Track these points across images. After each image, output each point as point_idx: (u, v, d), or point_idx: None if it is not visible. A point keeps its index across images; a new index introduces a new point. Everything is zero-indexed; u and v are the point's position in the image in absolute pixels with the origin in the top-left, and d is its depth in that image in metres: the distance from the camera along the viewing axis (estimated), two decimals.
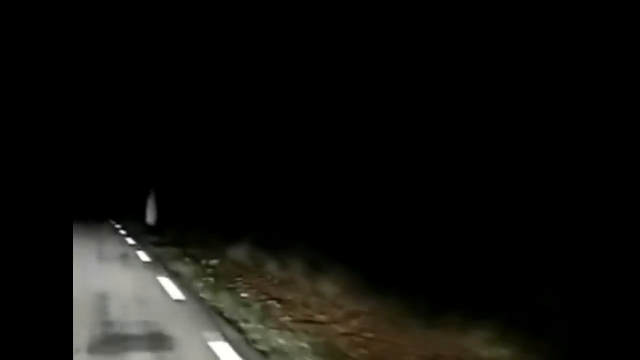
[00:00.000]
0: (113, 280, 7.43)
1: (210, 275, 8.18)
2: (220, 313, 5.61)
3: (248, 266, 8.73)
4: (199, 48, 14.70)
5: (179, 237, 15.20)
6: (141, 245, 13.16)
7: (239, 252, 9.84)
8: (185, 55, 15.77)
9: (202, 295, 6.64)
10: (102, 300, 5.96)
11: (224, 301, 6.25)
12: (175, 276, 8.02)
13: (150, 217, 22.64)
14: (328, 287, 6.12)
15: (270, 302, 6.16)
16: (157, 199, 22.89)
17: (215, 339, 4.49)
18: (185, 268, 9.03)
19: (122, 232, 17.96)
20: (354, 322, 4.95)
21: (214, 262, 9.85)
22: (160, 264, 9.62)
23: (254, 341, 4.51)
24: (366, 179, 8.05)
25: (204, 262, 9.94)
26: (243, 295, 6.61)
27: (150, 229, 19.16)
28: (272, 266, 8.00)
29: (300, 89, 10.34)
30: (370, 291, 5.54)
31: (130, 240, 14.14)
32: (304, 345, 4.39)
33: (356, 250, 6.62)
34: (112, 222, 22.78)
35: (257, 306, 5.94)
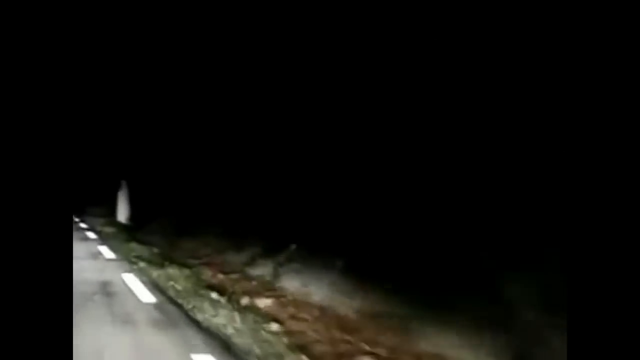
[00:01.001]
0: None
1: (293, 348, 4.10)
2: None
3: (353, 322, 4.66)
4: (177, 35, 11.77)
5: (169, 244, 11.06)
6: (124, 258, 8.90)
7: (313, 285, 5.81)
8: (163, 41, 12.56)
9: None
10: None
11: None
12: (227, 352, 3.89)
13: (123, 214, 18.77)
14: None
15: None
16: (130, 192, 19.00)
17: None
18: (225, 321, 4.91)
19: (91, 235, 13.46)
20: None
21: (266, 302, 5.79)
22: (174, 307, 5.44)
23: None
24: None
25: (245, 301, 5.86)
26: None
27: (126, 230, 15.00)
28: (418, 327, 3.92)
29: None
30: None
31: (106, 252, 9.75)
32: None
33: None
34: (76, 220, 18.25)
35: None
